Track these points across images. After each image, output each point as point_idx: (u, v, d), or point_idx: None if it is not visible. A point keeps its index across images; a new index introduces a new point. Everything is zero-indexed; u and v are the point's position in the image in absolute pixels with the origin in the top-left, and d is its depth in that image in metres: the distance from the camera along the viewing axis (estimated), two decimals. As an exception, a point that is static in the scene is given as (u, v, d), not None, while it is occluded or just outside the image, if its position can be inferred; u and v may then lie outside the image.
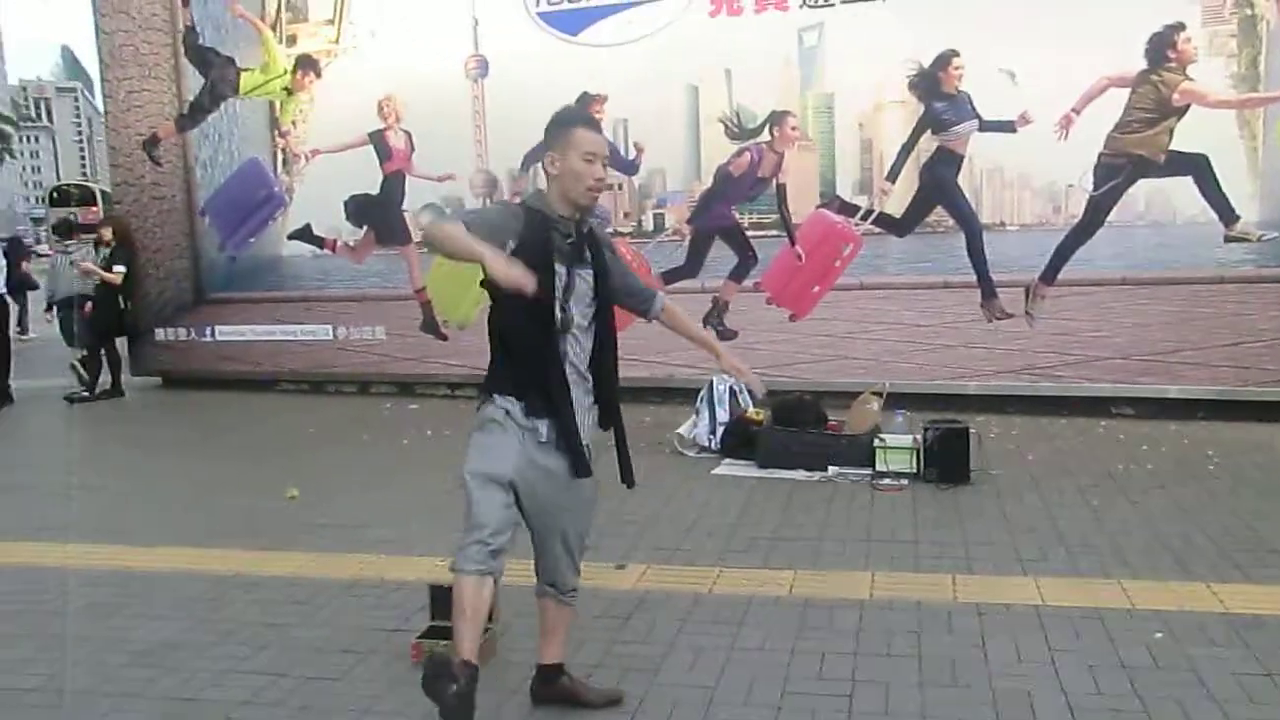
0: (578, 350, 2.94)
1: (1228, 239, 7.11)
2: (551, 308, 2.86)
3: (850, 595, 4.05)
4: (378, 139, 9.06)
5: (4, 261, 11.16)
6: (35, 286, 16.99)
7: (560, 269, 2.88)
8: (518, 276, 2.62)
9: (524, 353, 2.89)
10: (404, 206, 9.09)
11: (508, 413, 2.89)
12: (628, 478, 3.15)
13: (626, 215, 8.64)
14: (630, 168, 8.49)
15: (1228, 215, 7.07)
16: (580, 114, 3.09)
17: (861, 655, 3.50)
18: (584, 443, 2.96)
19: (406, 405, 8.67)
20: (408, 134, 9.00)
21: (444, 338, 9.04)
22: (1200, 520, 4.88)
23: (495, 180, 8.76)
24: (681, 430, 6.72)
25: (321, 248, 9.50)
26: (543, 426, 2.89)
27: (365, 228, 9.32)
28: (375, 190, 9.13)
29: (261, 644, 3.76)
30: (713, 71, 8.28)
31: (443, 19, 8.82)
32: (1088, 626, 3.68)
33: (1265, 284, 7.11)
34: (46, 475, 6.71)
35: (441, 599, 3.57)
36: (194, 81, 9.71)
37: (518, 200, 3.16)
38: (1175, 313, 7.31)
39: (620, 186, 8.59)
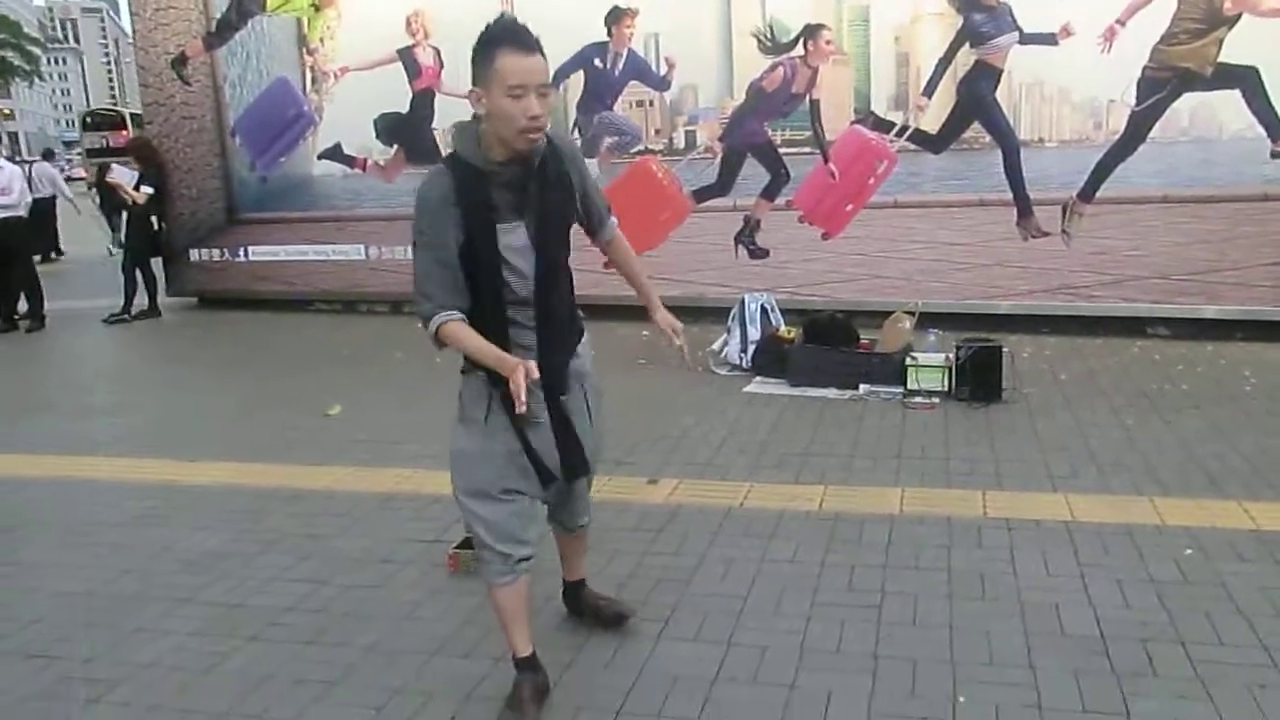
0: (525, 311, 2.60)
1: (1275, 154, 6.91)
2: (497, 273, 2.53)
3: (880, 510, 4.09)
4: (406, 56, 8.96)
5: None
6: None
7: (503, 226, 2.51)
8: (518, 379, 2.37)
9: (481, 318, 2.56)
10: (434, 125, 9.03)
11: (489, 403, 2.62)
12: (570, 468, 2.76)
13: (658, 132, 8.53)
14: (662, 84, 8.37)
15: (1277, 130, 6.87)
16: (505, 31, 2.38)
17: (891, 568, 3.55)
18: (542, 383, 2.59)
19: (439, 325, 8.71)
20: (436, 50, 8.89)
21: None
22: (1235, 440, 4.86)
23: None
24: (714, 347, 6.74)
25: (352, 167, 9.48)
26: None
27: (396, 146, 9.28)
28: (405, 108, 9.08)
29: (304, 554, 3.87)
30: (746, -16, 8.10)
31: (470, -70, 8.66)
32: (1117, 542, 3.70)
33: (1312, 202, 6.95)
34: (88, 395, 6.85)
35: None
36: (221, -2, 9.64)
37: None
38: (1216, 231, 7.15)
39: (652, 103, 8.48)
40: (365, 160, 9.43)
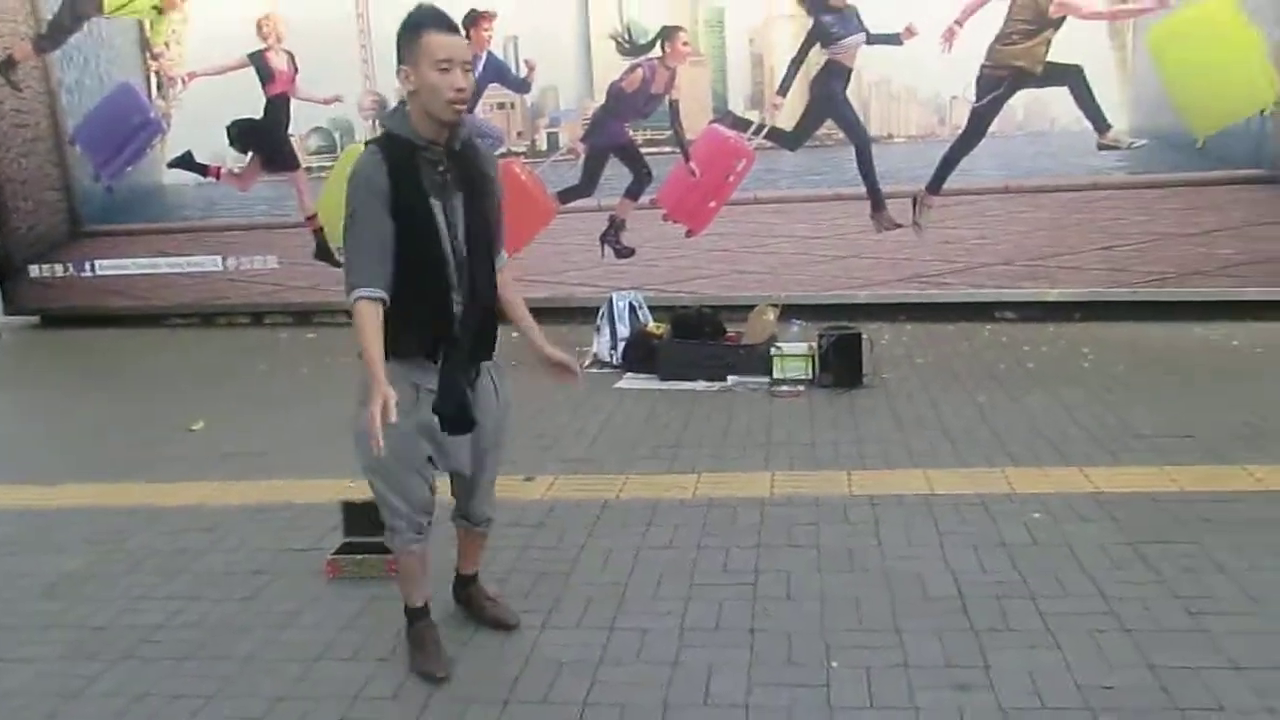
0: (460, 294, 2.72)
1: (1101, 147, 7.43)
2: (439, 251, 2.65)
3: (752, 494, 4.23)
4: (258, 60, 8.69)
5: None
6: None
7: (436, 204, 2.64)
8: (374, 415, 2.44)
9: (413, 301, 2.65)
10: (290, 131, 8.82)
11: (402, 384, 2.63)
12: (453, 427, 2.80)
13: (520, 134, 8.54)
14: (522, 86, 8.38)
15: (1100, 124, 7.37)
16: (430, 14, 2.58)
17: (764, 548, 3.68)
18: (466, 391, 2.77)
19: (303, 334, 8.52)
20: (290, 54, 8.68)
21: (338, 264, 8.84)
22: (1075, 413, 5.20)
23: (385, 102, 8.55)
24: (595, 350, 6.78)
25: (205, 175, 9.14)
26: (432, 380, 2.72)
27: (250, 154, 9.01)
28: (259, 114, 8.82)
29: (173, 571, 3.76)
30: (603, -14, 8.19)
31: (321, -69, 8.49)
32: (973, 511, 3.93)
33: (1135, 190, 7.48)
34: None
35: (355, 516, 3.62)
36: (52, -1, 9.15)
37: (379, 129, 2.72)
38: (1053, 219, 7.62)
39: (513, 106, 8.49)
40: (219, 168, 9.10)
